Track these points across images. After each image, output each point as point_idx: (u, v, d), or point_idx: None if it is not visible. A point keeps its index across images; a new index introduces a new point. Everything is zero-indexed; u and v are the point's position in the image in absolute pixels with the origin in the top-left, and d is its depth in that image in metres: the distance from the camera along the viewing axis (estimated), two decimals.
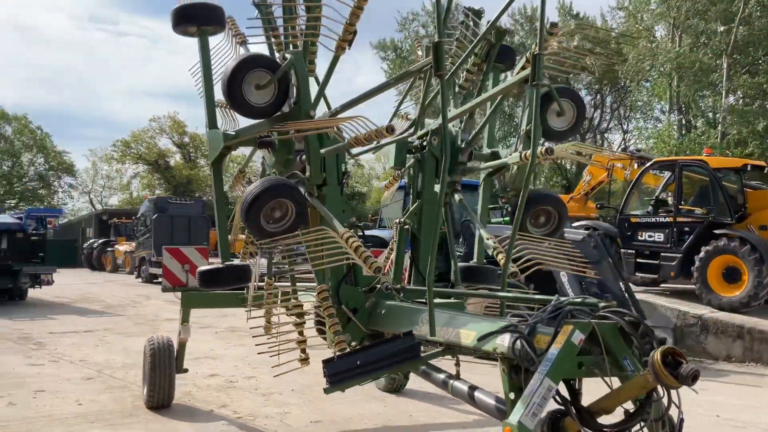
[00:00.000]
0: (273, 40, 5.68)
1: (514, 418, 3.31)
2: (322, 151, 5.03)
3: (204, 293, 7.19)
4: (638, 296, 12.51)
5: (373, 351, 4.41)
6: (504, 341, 3.72)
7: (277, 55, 5.46)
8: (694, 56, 29.40)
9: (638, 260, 12.97)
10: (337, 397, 7.82)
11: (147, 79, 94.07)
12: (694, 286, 12.18)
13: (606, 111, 44.40)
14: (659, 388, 3.47)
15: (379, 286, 5.47)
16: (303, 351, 5.24)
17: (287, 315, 5.46)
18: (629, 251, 13.12)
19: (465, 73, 5.94)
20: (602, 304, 3.74)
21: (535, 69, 4.35)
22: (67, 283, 24.76)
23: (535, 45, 4.48)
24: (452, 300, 5.74)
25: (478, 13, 5.85)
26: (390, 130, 4.22)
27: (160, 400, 7.32)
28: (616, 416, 3.82)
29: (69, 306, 18.62)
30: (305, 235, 4.70)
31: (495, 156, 6.06)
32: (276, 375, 4.99)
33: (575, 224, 14.66)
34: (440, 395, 7.47)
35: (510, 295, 5.06)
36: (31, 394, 7.97)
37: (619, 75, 34.04)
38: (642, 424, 3.62)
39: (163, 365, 7.27)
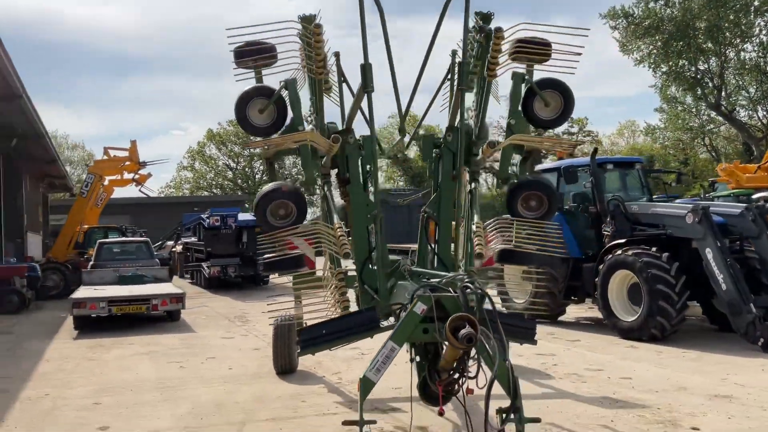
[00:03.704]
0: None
1: (364, 372, 4.09)
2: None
3: (308, 277, 8.50)
4: None
5: (337, 322, 5.32)
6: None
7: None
8: None
9: None
10: None
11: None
12: None
13: None
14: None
15: (400, 268, 6.28)
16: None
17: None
18: None
19: (469, 74, 6.42)
20: (464, 280, 4.28)
21: (461, 75, 4.90)
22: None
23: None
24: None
25: (487, 18, 6.28)
26: (335, 140, 5.14)
27: (283, 365, 8.82)
28: None
29: None
30: (304, 227, 5.75)
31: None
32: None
33: (757, 195, 13.54)
34: None
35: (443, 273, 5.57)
36: (201, 360, 10.00)
37: None
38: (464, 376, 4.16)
39: (284, 337, 8.76)
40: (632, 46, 38.02)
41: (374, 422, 4.51)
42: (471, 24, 6.39)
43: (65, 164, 46.41)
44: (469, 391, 4.29)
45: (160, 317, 14.71)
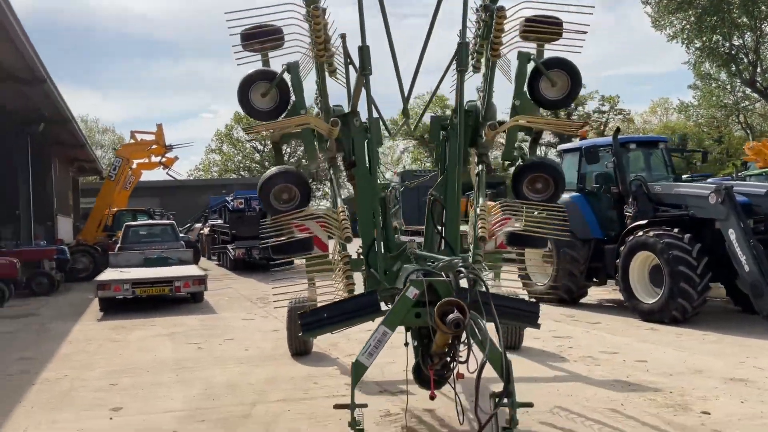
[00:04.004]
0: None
1: (356, 356, 4.09)
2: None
3: (321, 260, 8.51)
4: None
5: (338, 306, 5.29)
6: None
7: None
8: None
9: None
10: None
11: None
12: None
13: None
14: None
15: (406, 251, 6.24)
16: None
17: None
18: None
19: (476, 54, 6.30)
20: (458, 264, 4.23)
21: (461, 56, 4.81)
22: None
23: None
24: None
25: None
26: (334, 123, 5.11)
27: (297, 347, 8.88)
28: None
29: None
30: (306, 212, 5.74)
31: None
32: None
33: None
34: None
35: (440, 257, 5.52)
36: (219, 342, 10.12)
37: None
38: (455, 361, 4.13)
39: (297, 320, 8.79)
40: (665, 22, 37.05)
41: (365, 406, 4.52)
42: (479, 3, 6.29)
43: (96, 148, 47.06)
44: (460, 375, 4.28)
45: (184, 299, 14.93)
